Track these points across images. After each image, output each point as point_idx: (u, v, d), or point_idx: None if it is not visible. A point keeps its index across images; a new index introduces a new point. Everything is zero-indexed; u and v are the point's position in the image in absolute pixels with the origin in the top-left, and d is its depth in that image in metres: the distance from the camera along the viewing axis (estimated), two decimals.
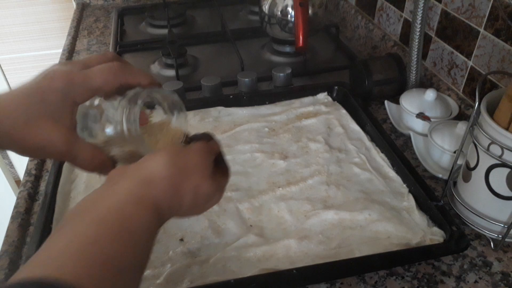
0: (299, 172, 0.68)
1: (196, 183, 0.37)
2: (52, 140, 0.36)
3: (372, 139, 0.74)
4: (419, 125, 0.76)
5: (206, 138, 0.43)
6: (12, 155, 1.87)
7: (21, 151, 0.37)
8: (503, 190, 0.53)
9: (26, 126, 0.35)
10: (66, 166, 0.70)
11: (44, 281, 0.23)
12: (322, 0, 0.98)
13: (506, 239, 0.56)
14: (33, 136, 0.35)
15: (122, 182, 0.33)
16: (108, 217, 0.29)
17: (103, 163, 0.39)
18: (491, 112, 0.52)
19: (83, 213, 0.30)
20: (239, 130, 0.77)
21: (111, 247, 0.27)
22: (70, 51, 1.12)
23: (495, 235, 0.57)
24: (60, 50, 1.12)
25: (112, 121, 0.38)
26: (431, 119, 0.73)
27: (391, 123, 0.80)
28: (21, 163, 1.87)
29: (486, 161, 0.53)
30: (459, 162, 0.61)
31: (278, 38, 1.02)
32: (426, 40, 0.86)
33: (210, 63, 1.04)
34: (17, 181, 1.86)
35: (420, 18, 0.77)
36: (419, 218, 0.59)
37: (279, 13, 0.97)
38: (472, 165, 0.56)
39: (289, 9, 0.95)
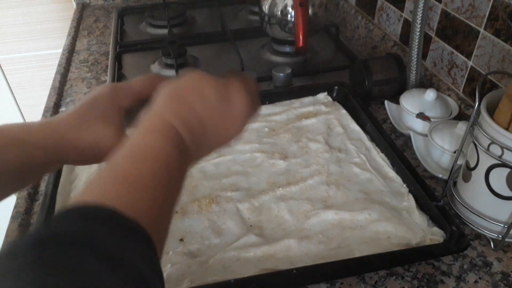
0: (299, 172, 0.68)
1: (200, 90, 0.37)
2: (103, 136, 0.39)
3: (372, 139, 0.74)
4: (419, 125, 0.76)
5: None
6: None
7: (76, 154, 0.40)
8: (503, 190, 0.53)
9: (80, 127, 0.39)
10: (66, 166, 0.70)
11: (88, 206, 0.26)
12: (322, 0, 0.98)
13: (506, 239, 0.56)
14: (86, 134, 0.39)
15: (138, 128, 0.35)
16: (133, 151, 0.32)
17: None
18: (491, 112, 0.52)
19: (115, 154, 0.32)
20: None
21: (137, 172, 0.30)
22: (70, 51, 1.12)
23: (495, 235, 0.57)
24: (60, 50, 1.12)
25: None
26: (431, 119, 0.73)
27: (391, 123, 0.80)
28: None
29: (486, 161, 0.53)
30: (459, 162, 0.61)
31: (278, 38, 1.02)
32: (426, 40, 0.86)
33: (210, 63, 1.04)
34: None
35: (420, 18, 0.77)
36: (419, 218, 0.59)
37: (279, 13, 0.97)
38: (472, 165, 0.56)
39: (289, 9, 0.95)
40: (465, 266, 0.55)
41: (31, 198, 0.67)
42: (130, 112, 0.43)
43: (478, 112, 0.53)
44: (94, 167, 0.69)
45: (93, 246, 0.23)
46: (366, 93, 0.84)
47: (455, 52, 0.80)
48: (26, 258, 0.22)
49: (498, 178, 0.53)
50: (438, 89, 0.81)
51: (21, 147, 0.37)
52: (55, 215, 0.25)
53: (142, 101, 0.42)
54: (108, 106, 0.40)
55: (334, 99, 0.85)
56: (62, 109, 0.90)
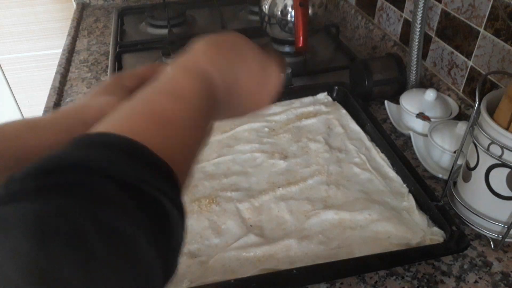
0: (299, 172, 0.68)
1: (241, 48, 0.37)
2: (107, 104, 0.39)
3: (372, 139, 0.74)
4: (419, 125, 0.76)
5: None
6: None
7: (84, 127, 0.40)
8: (503, 190, 0.53)
9: (87, 102, 0.40)
10: None
11: (112, 134, 0.24)
12: (322, 0, 0.98)
13: (506, 239, 0.56)
14: (94, 103, 0.40)
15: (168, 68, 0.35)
16: (160, 86, 0.31)
17: None
18: (491, 112, 0.52)
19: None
20: (239, 130, 0.77)
21: (163, 106, 0.29)
22: (70, 51, 1.12)
23: (495, 235, 0.57)
24: (60, 50, 1.12)
25: None
26: (431, 119, 0.73)
27: (391, 123, 0.80)
28: None
29: (486, 161, 0.53)
30: (459, 162, 0.61)
31: (278, 38, 1.02)
32: (426, 40, 0.86)
33: None
34: None
35: (420, 18, 0.77)
36: (419, 218, 0.59)
37: (279, 13, 0.97)
38: (472, 165, 0.56)
39: (289, 9, 0.95)
40: (465, 266, 0.55)
41: None
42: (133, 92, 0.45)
43: (478, 112, 0.53)
44: None
45: (113, 174, 0.22)
46: (366, 93, 0.84)
47: (455, 52, 0.80)
48: (30, 185, 0.20)
49: (498, 178, 0.53)
50: (438, 89, 0.81)
51: (33, 130, 0.37)
52: (68, 142, 0.24)
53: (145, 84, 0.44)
54: (114, 87, 0.42)
55: (334, 99, 0.85)
56: None
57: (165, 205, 0.23)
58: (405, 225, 0.58)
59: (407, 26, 0.94)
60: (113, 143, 0.24)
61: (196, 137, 0.30)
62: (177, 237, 0.24)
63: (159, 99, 0.29)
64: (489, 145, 0.52)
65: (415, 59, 0.82)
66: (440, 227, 0.57)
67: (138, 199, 0.22)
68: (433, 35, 0.86)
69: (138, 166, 0.23)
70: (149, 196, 0.23)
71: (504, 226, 0.55)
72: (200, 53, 0.35)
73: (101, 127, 0.25)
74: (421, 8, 0.76)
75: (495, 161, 0.52)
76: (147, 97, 0.30)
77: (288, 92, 0.86)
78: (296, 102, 0.84)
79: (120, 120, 0.27)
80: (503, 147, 0.50)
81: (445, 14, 0.81)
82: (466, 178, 0.58)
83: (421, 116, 0.74)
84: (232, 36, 0.37)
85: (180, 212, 0.25)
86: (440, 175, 0.67)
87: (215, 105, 0.33)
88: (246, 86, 0.37)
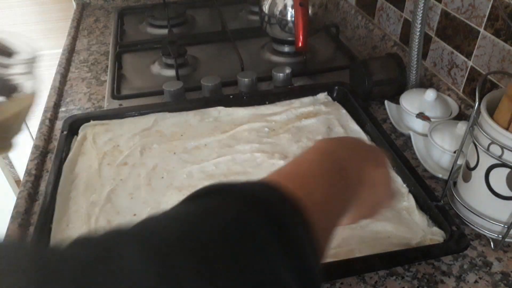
0: None
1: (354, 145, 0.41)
2: None
3: (372, 139, 0.74)
4: (419, 125, 0.76)
5: None
6: (12, 155, 1.87)
7: None
8: (503, 190, 0.53)
9: None
10: (66, 166, 0.70)
11: (270, 184, 0.29)
12: (322, 0, 0.98)
13: (506, 239, 0.56)
14: None
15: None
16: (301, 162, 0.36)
17: None
18: (491, 112, 0.52)
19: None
20: (239, 130, 0.77)
21: (319, 182, 0.33)
22: (70, 51, 1.12)
23: (495, 235, 0.57)
24: (60, 50, 1.12)
25: None
26: (431, 119, 0.73)
27: (391, 123, 0.80)
28: (21, 163, 1.87)
29: (486, 161, 0.53)
30: (459, 162, 0.61)
31: (278, 38, 1.02)
32: (426, 40, 0.86)
33: (210, 63, 1.04)
34: (17, 181, 1.86)
35: (420, 18, 0.77)
36: (419, 218, 0.59)
37: (279, 13, 0.97)
38: (472, 165, 0.56)
39: (289, 9, 0.95)
40: (465, 266, 0.55)
41: (31, 198, 0.67)
42: None
43: (478, 112, 0.53)
44: (93, 167, 0.70)
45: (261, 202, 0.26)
46: (366, 93, 0.84)
47: (455, 52, 0.80)
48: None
49: (498, 178, 0.53)
50: (438, 89, 0.81)
51: None
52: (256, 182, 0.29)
53: None
54: None
55: (334, 99, 0.85)
56: (62, 109, 0.90)
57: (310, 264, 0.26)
58: (405, 225, 0.58)
59: (407, 26, 0.94)
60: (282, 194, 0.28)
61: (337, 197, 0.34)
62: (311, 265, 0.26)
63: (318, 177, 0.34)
64: (489, 145, 0.52)
65: (415, 59, 0.82)
66: (440, 227, 0.57)
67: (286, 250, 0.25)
68: (433, 35, 0.86)
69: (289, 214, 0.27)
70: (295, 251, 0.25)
71: (504, 226, 0.55)
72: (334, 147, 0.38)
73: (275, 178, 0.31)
74: (421, 8, 0.76)
75: (495, 161, 0.52)
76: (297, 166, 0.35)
77: (288, 92, 0.86)
78: (296, 102, 0.84)
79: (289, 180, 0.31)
80: (503, 147, 0.50)
81: (445, 14, 0.81)
82: (466, 178, 0.58)
83: (421, 116, 0.74)
84: (351, 138, 0.42)
85: (313, 247, 0.27)
86: (440, 175, 0.67)
87: (348, 187, 0.36)
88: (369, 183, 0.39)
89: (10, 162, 1.93)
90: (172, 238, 0.21)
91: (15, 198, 0.66)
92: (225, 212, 0.24)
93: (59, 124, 0.84)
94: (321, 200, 0.31)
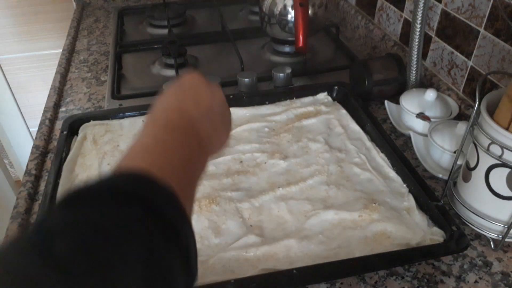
0: (299, 172, 0.68)
1: (189, 81, 0.42)
2: None
3: (372, 139, 0.74)
4: (419, 125, 0.76)
5: None
6: (12, 155, 1.87)
7: None
8: (503, 190, 0.53)
9: None
10: (66, 166, 0.70)
11: (121, 169, 0.30)
12: (322, 0, 0.98)
13: (506, 239, 0.56)
14: None
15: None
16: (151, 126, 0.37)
17: None
18: (491, 112, 0.52)
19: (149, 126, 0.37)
20: (239, 130, 0.77)
21: (169, 150, 0.34)
22: (70, 51, 1.12)
23: (495, 235, 0.57)
24: (60, 50, 1.12)
25: None
26: (431, 119, 0.73)
27: (391, 123, 0.80)
28: (21, 163, 1.87)
29: (486, 161, 0.53)
30: (459, 162, 0.61)
31: (278, 38, 1.02)
32: (426, 40, 0.86)
33: (210, 63, 1.04)
34: (17, 181, 1.86)
35: (420, 18, 0.77)
36: (419, 218, 0.59)
37: (279, 13, 0.97)
38: (472, 165, 0.56)
39: (289, 9, 0.95)
40: (465, 266, 0.55)
41: (31, 198, 0.67)
42: None
43: (478, 112, 0.53)
44: (93, 167, 0.70)
45: (124, 192, 0.27)
46: (366, 93, 0.84)
47: (455, 52, 0.80)
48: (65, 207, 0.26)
49: (498, 178, 0.53)
50: (438, 89, 0.81)
51: None
52: (104, 176, 0.28)
53: None
54: None
55: (334, 99, 0.85)
56: (62, 109, 0.90)
57: (175, 220, 0.28)
58: (405, 225, 0.58)
59: (407, 26, 0.94)
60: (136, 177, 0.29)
61: (190, 160, 0.35)
62: (188, 239, 0.28)
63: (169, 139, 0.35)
64: (489, 145, 0.52)
65: (415, 59, 0.82)
66: (440, 227, 0.57)
67: (151, 211, 0.26)
68: (433, 35, 0.86)
69: (150, 186, 0.28)
70: (160, 211, 0.27)
71: (504, 226, 0.55)
72: (167, 100, 0.39)
73: (125, 162, 0.31)
74: (421, 8, 0.76)
75: (495, 161, 0.52)
76: (148, 138, 0.35)
77: (288, 92, 0.86)
78: (296, 102, 0.84)
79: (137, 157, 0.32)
80: (503, 147, 0.50)
81: (445, 14, 0.81)
82: (466, 178, 0.58)
83: (421, 116, 0.74)
84: (188, 79, 0.42)
85: (186, 219, 0.29)
86: (440, 175, 0.67)
87: (197, 136, 0.38)
88: (212, 120, 0.41)
89: (10, 162, 1.93)
90: (71, 251, 0.22)
91: (15, 198, 0.66)
92: (108, 215, 0.25)
93: (59, 124, 0.84)
94: (179, 173, 0.33)
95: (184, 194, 0.30)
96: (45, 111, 0.88)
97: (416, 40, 0.80)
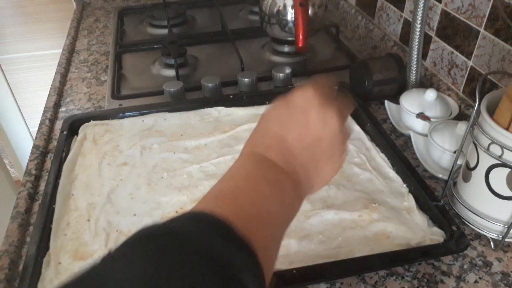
0: None
1: (296, 112, 0.35)
2: None
3: (372, 139, 0.74)
4: (419, 125, 0.76)
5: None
6: (12, 155, 1.87)
7: None
8: (503, 190, 0.53)
9: None
10: (66, 166, 0.70)
11: (203, 212, 0.27)
12: (322, 0, 0.98)
13: (506, 239, 0.56)
14: None
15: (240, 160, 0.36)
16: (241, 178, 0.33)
17: None
18: (491, 112, 0.52)
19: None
20: (239, 130, 0.77)
21: (249, 196, 0.30)
22: (70, 51, 1.12)
23: (495, 235, 0.57)
24: (60, 50, 1.12)
25: None
26: (431, 119, 0.73)
27: (391, 123, 0.80)
28: (21, 163, 1.88)
29: (486, 161, 0.53)
30: (459, 162, 0.61)
31: (278, 38, 1.02)
32: (426, 40, 0.86)
33: (210, 63, 1.04)
34: (17, 181, 1.86)
35: (420, 18, 0.77)
36: (419, 218, 0.59)
37: (279, 13, 0.97)
38: (472, 165, 0.56)
39: (289, 9, 0.95)
40: (465, 266, 0.55)
41: (31, 198, 0.67)
42: None
43: (478, 112, 0.53)
44: (93, 167, 0.70)
45: (203, 246, 0.24)
46: (366, 93, 0.84)
47: (455, 52, 0.80)
48: (138, 248, 0.24)
49: (498, 178, 0.53)
50: (438, 89, 0.81)
51: None
52: (175, 217, 0.27)
53: None
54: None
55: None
56: (62, 109, 0.90)
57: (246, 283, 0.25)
58: (405, 225, 0.58)
59: (407, 26, 0.94)
60: (210, 221, 0.26)
61: (271, 211, 0.31)
62: None
63: (246, 191, 0.31)
64: (489, 145, 0.52)
65: (415, 59, 0.82)
66: (440, 227, 0.57)
67: (219, 274, 0.23)
68: (433, 35, 0.86)
69: (223, 242, 0.25)
70: (230, 273, 0.24)
71: (504, 226, 0.55)
72: (250, 139, 0.35)
73: (207, 205, 0.29)
74: (421, 8, 0.76)
75: (495, 161, 0.52)
76: (236, 189, 0.31)
77: (288, 92, 0.86)
78: None
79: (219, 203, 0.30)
80: (503, 147, 0.50)
81: (445, 14, 0.81)
82: (466, 178, 0.58)
83: (421, 116, 0.74)
84: (300, 98, 0.35)
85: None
86: (440, 175, 0.67)
87: (289, 180, 0.33)
88: (319, 155, 0.35)
89: (10, 162, 1.93)
90: None
91: (15, 198, 0.66)
92: (181, 273, 0.23)
93: (59, 124, 0.84)
94: (265, 227, 0.29)
95: (265, 251, 0.27)
96: (45, 111, 0.88)
97: (416, 40, 0.80)
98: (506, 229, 0.55)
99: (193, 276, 0.23)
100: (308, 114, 0.34)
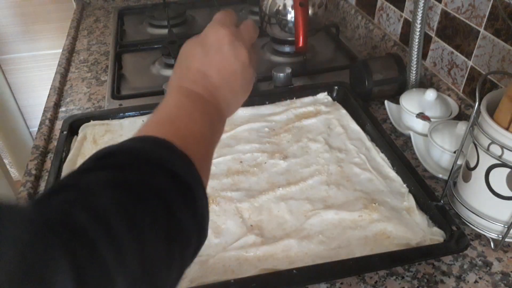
0: (299, 172, 0.68)
1: (204, 38, 0.41)
2: None
3: (372, 139, 0.74)
4: (419, 125, 0.76)
5: None
6: (12, 155, 1.87)
7: None
8: (503, 190, 0.53)
9: None
10: (66, 166, 0.70)
11: (147, 135, 0.34)
12: (322, 0, 0.98)
13: (506, 239, 0.56)
14: None
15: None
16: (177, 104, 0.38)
17: None
18: (491, 112, 0.52)
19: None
20: (239, 130, 0.77)
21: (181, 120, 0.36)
22: (70, 51, 1.12)
23: (495, 235, 0.57)
24: (60, 50, 1.12)
25: None
26: (431, 119, 0.73)
27: (391, 123, 0.80)
28: (21, 163, 1.87)
29: (486, 161, 0.53)
30: (459, 162, 0.61)
31: (278, 38, 1.02)
32: (426, 40, 0.86)
33: None
34: (17, 181, 1.86)
35: (420, 18, 0.77)
36: (419, 218, 0.59)
37: (279, 13, 0.97)
38: (472, 165, 0.56)
39: (289, 9, 0.95)
40: (465, 266, 0.55)
41: (31, 198, 0.67)
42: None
43: (478, 112, 0.53)
44: None
45: (153, 156, 0.31)
46: (366, 93, 0.84)
47: (455, 52, 0.80)
48: (99, 161, 0.30)
49: (498, 178, 0.53)
50: (438, 89, 0.81)
51: None
52: (124, 140, 0.33)
53: None
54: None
55: (334, 99, 0.85)
56: (62, 109, 0.90)
57: (190, 179, 0.31)
58: (405, 225, 0.58)
59: (407, 26, 0.94)
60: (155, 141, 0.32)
61: (208, 138, 0.37)
62: (202, 203, 0.32)
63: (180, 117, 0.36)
64: (489, 145, 0.52)
65: (415, 59, 0.82)
66: (440, 227, 0.57)
67: (174, 177, 0.30)
68: (433, 35, 0.86)
69: (173, 156, 0.31)
70: (177, 173, 0.30)
71: (504, 226, 0.55)
72: (173, 75, 0.40)
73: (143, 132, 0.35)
74: (421, 8, 0.76)
75: (495, 161, 0.52)
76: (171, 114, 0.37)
77: (288, 92, 0.86)
78: (296, 102, 0.84)
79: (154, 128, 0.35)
80: (503, 147, 0.50)
81: (445, 14, 0.81)
82: (466, 178, 0.58)
83: (421, 116, 0.74)
84: (211, 35, 0.41)
85: (201, 186, 0.32)
86: (440, 175, 0.67)
87: (217, 106, 0.39)
88: (224, 77, 0.41)
89: (10, 162, 1.93)
90: (111, 207, 0.26)
91: (15, 198, 0.66)
92: (139, 178, 0.29)
93: (59, 124, 0.84)
94: (199, 144, 0.35)
95: (201, 163, 0.33)
96: (45, 111, 0.88)
97: (416, 40, 0.80)
98: (506, 229, 0.55)
99: (149, 177, 0.29)
100: (221, 51, 0.40)
